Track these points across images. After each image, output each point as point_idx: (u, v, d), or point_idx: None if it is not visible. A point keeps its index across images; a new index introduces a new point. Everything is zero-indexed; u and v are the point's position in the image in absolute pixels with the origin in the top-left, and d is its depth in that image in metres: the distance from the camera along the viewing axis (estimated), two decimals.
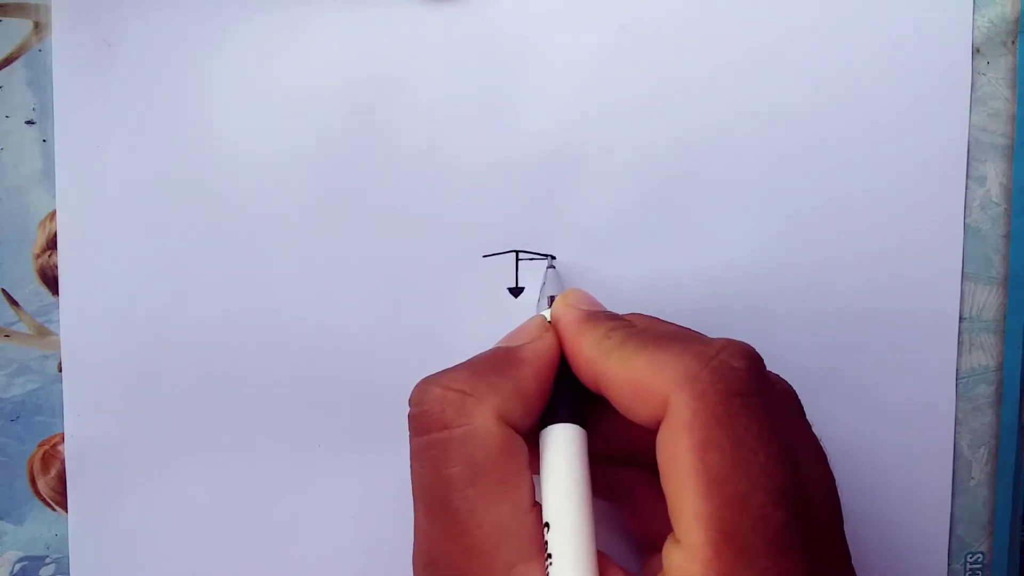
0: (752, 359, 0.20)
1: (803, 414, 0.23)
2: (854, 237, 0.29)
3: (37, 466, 0.29)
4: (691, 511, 0.19)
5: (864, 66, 0.28)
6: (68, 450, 0.29)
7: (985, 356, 0.29)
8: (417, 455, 0.22)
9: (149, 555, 0.29)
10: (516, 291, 0.28)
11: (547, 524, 0.21)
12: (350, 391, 0.29)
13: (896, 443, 0.29)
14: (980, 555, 0.30)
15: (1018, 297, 0.29)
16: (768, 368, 0.22)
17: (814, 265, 0.29)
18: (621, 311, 0.25)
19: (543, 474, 0.22)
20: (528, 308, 0.28)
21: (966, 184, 0.29)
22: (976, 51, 0.29)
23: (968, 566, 0.30)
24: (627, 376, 0.21)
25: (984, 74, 0.29)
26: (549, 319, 0.25)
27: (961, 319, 0.29)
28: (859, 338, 0.29)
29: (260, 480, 0.29)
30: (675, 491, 0.19)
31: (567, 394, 0.23)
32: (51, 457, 0.29)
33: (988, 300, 0.29)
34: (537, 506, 0.21)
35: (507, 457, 0.21)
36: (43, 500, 0.29)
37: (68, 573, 0.29)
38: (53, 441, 0.29)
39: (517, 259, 0.28)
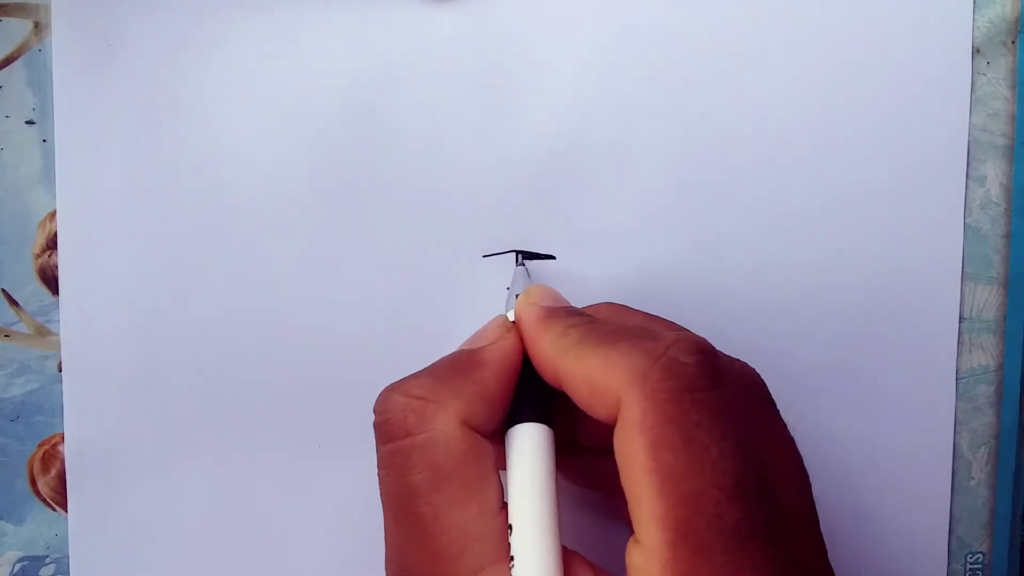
0: (703, 353, 0.20)
1: (769, 402, 0.23)
2: (854, 237, 0.29)
3: (37, 466, 0.29)
4: (647, 511, 0.19)
5: (864, 66, 0.28)
6: (68, 450, 0.29)
7: (985, 356, 0.29)
8: (382, 463, 0.21)
9: (149, 555, 0.29)
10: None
11: (510, 526, 0.21)
12: (350, 391, 0.29)
13: (896, 443, 0.29)
14: (980, 555, 0.30)
15: (1018, 297, 0.29)
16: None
17: (814, 265, 0.29)
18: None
19: (508, 475, 0.22)
20: None
21: (966, 184, 0.29)
22: (976, 51, 0.29)
23: (968, 566, 0.30)
24: (583, 374, 0.21)
25: (984, 74, 0.29)
26: (512, 319, 0.24)
27: (961, 319, 0.29)
28: (859, 338, 0.29)
29: (260, 480, 0.29)
30: (631, 491, 0.19)
31: (531, 393, 0.23)
32: (51, 457, 0.29)
33: (988, 300, 0.29)
34: (506, 508, 0.21)
35: (471, 461, 0.21)
36: (43, 500, 0.29)
37: (68, 573, 0.29)
38: (53, 441, 0.29)
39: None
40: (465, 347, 0.24)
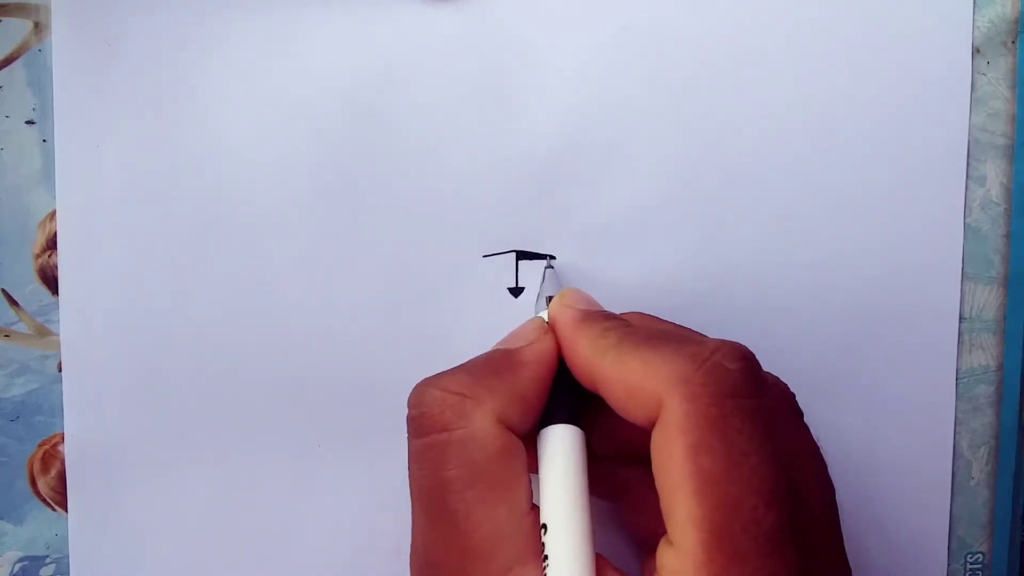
0: (746, 360, 0.20)
1: (800, 415, 0.23)
2: (854, 237, 0.29)
3: (37, 466, 0.29)
4: (684, 513, 0.19)
5: (864, 66, 0.28)
6: (68, 450, 0.29)
7: (985, 356, 0.29)
8: (416, 457, 0.22)
9: (149, 555, 0.29)
10: (516, 291, 0.28)
11: (544, 526, 0.21)
12: (350, 391, 0.29)
13: (896, 443, 0.29)
14: (980, 555, 0.30)
15: (1018, 297, 0.29)
16: (768, 368, 0.22)
17: (814, 265, 0.29)
18: (621, 311, 0.25)
19: (541, 476, 0.22)
20: (527, 308, 0.28)
21: (966, 184, 0.29)
22: (976, 51, 0.29)
23: (968, 566, 0.30)
24: (621, 377, 0.21)
25: (984, 74, 0.29)
26: (547, 320, 0.25)
27: (961, 319, 0.29)
28: (859, 338, 0.29)
29: (260, 480, 0.29)
30: (668, 493, 0.19)
31: (565, 395, 0.23)
32: (51, 457, 0.29)
33: (988, 300, 0.29)
34: (535, 508, 0.21)
35: (505, 460, 0.21)
36: (43, 500, 0.29)
37: (68, 573, 0.29)
38: (53, 441, 0.29)
39: (517, 259, 0.28)
40: (501, 347, 0.24)
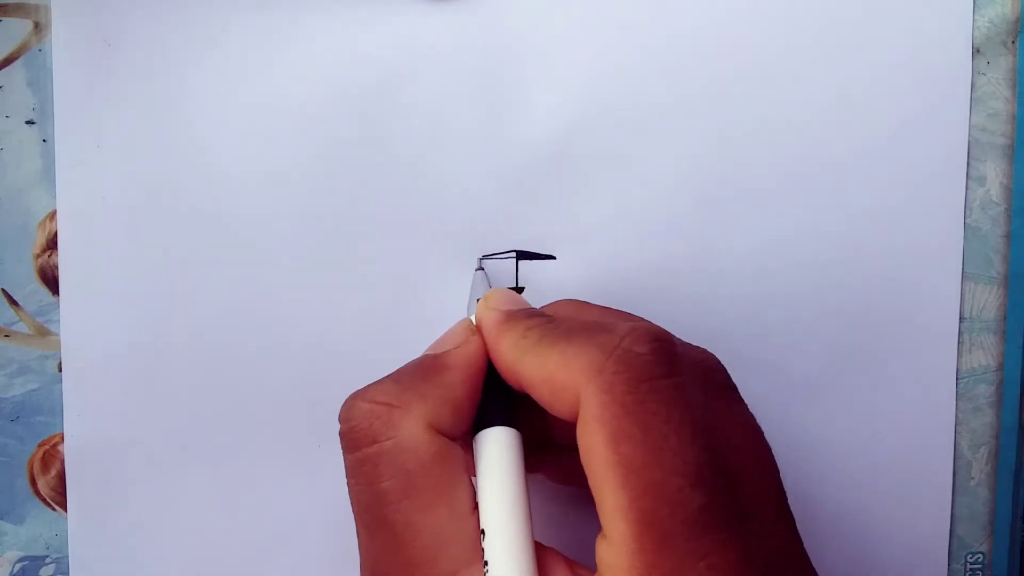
0: (657, 341, 0.20)
1: (730, 387, 0.22)
2: (854, 237, 0.29)
3: (37, 466, 0.29)
4: (611, 504, 0.19)
5: (864, 66, 0.28)
6: (68, 450, 0.29)
7: (985, 356, 0.29)
8: (351, 472, 0.21)
9: (149, 555, 0.29)
10: (516, 291, 0.28)
11: (483, 531, 0.21)
12: (350, 391, 0.29)
13: (896, 443, 0.29)
14: (980, 555, 0.30)
15: (1018, 297, 0.29)
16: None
17: (814, 265, 0.29)
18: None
19: (478, 480, 0.22)
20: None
21: (966, 184, 0.29)
22: (976, 51, 0.29)
23: (968, 566, 0.30)
24: (543, 375, 0.21)
25: (984, 74, 0.29)
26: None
27: (961, 319, 0.29)
28: (859, 338, 0.29)
29: (260, 480, 0.29)
30: (596, 486, 0.19)
31: (497, 396, 0.23)
32: (51, 457, 0.29)
33: (988, 300, 0.29)
34: (477, 510, 0.21)
35: (440, 465, 0.21)
36: (43, 500, 0.29)
37: (68, 573, 0.29)
38: (53, 441, 0.29)
39: (517, 259, 0.28)
40: (430, 351, 0.23)
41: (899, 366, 0.29)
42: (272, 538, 0.29)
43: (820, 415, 0.29)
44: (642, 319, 0.23)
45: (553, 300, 0.26)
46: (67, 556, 0.29)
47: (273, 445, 0.29)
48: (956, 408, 0.29)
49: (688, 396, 0.20)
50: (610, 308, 0.25)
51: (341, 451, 0.22)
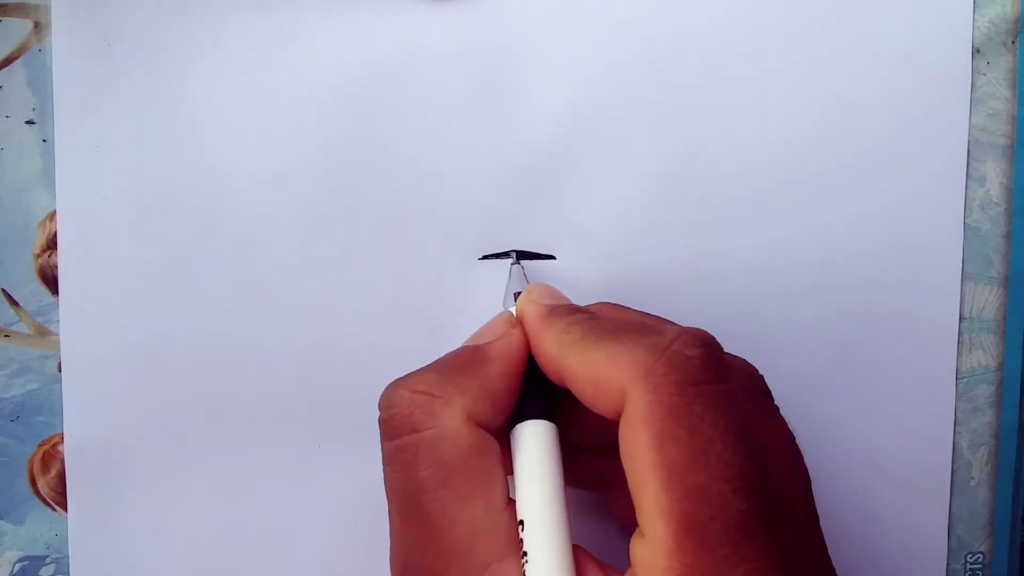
0: (707, 346, 0.20)
1: (768, 396, 0.23)
2: (854, 237, 0.29)
3: (37, 466, 0.29)
4: (652, 504, 0.19)
5: (864, 66, 0.28)
6: (68, 450, 0.29)
7: (985, 356, 0.29)
8: (388, 459, 0.21)
9: (149, 555, 0.29)
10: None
11: (521, 522, 0.21)
12: (350, 391, 0.29)
13: (896, 443, 0.29)
14: (980, 555, 0.30)
15: (1018, 297, 0.29)
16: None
17: (814, 265, 0.29)
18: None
19: (516, 472, 0.22)
20: None
21: (966, 184, 0.29)
22: (976, 51, 0.29)
23: (968, 566, 0.30)
24: (586, 371, 0.21)
25: (984, 74, 0.29)
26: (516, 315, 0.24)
27: (961, 319, 0.29)
28: (859, 338, 0.29)
29: (260, 480, 0.29)
30: (637, 485, 0.19)
31: (536, 390, 0.23)
32: (51, 457, 0.29)
33: (988, 300, 0.29)
34: (511, 504, 0.21)
35: (478, 457, 0.21)
36: (43, 500, 0.29)
37: (68, 573, 0.29)
38: (53, 441, 0.29)
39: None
40: (470, 343, 0.24)
41: (899, 366, 0.29)
42: (272, 538, 0.29)
43: (820, 415, 0.29)
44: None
45: None
46: (67, 556, 0.29)
47: (273, 445, 0.29)
48: (956, 408, 0.29)
49: (733, 403, 0.20)
50: (649, 313, 0.25)
51: (379, 438, 0.22)
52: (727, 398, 0.20)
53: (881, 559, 0.29)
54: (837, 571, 0.22)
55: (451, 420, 0.21)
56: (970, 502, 0.30)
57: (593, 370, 0.21)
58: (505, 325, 0.24)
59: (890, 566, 0.29)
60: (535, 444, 0.22)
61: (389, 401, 0.22)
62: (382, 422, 0.22)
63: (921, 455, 0.29)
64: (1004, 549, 0.30)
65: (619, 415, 0.20)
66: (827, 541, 0.22)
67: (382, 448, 0.22)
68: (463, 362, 0.23)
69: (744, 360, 0.23)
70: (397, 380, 0.22)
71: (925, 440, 0.29)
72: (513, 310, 0.25)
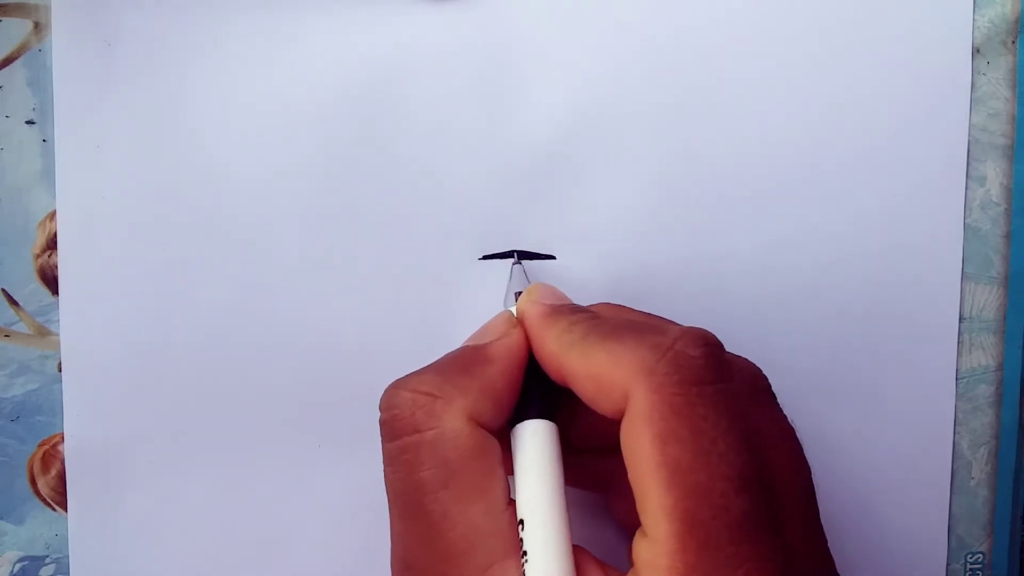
0: (709, 345, 0.20)
1: (770, 394, 0.23)
2: (854, 237, 0.29)
3: (37, 466, 0.29)
4: (654, 503, 0.19)
5: (864, 66, 0.28)
6: (68, 450, 0.29)
7: (985, 356, 0.29)
8: (389, 460, 0.21)
9: (149, 555, 0.29)
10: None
11: (521, 521, 0.21)
12: (350, 391, 0.29)
13: (896, 443, 0.29)
14: (980, 555, 0.30)
15: (1018, 297, 0.29)
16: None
17: (814, 265, 0.29)
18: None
19: (516, 471, 0.22)
20: None
21: (966, 184, 0.29)
22: (976, 51, 0.29)
23: (968, 566, 0.30)
24: (588, 370, 0.21)
25: (984, 74, 0.29)
26: (516, 315, 0.24)
27: (961, 319, 0.29)
28: (859, 338, 0.29)
29: (260, 480, 0.29)
30: (639, 484, 0.19)
31: (537, 389, 0.23)
32: (51, 457, 0.29)
33: (988, 300, 0.29)
34: (512, 504, 0.21)
35: (479, 457, 0.21)
36: (43, 500, 0.29)
37: (68, 573, 0.29)
38: (53, 441, 0.29)
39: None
40: (470, 343, 0.24)
41: (899, 366, 0.29)
42: (272, 538, 0.29)
43: (820, 414, 0.29)
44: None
45: None
46: (67, 556, 0.29)
47: (273, 445, 0.29)
48: (956, 408, 0.29)
49: (736, 403, 0.20)
50: (650, 314, 0.25)
51: (380, 439, 0.22)
52: (729, 398, 0.20)
53: (881, 559, 0.29)
54: (837, 571, 0.22)
55: (452, 421, 0.21)
56: (970, 502, 0.30)
57: (595, 369, 0.21)
58: (506, 325, 0.24)
59: (890, 566, 0.29)
60: (536, 444, 0.22)
61: (390, 402, 0.22)
62: (383, 423, 0.22)
63: (921, 455, 0.29)
64: (1004, 549, 0.30)
65: (621, 415, 0.20)
66: (827, 541, 0.22)
67: (383, 449, 0.22)
68: (464, 362, 0.23)
69: (746, 360, 0.23)
70: (398, 381, 0.22)
71: (925, 440, 0.29)
72: (514, 310, 0.25)
